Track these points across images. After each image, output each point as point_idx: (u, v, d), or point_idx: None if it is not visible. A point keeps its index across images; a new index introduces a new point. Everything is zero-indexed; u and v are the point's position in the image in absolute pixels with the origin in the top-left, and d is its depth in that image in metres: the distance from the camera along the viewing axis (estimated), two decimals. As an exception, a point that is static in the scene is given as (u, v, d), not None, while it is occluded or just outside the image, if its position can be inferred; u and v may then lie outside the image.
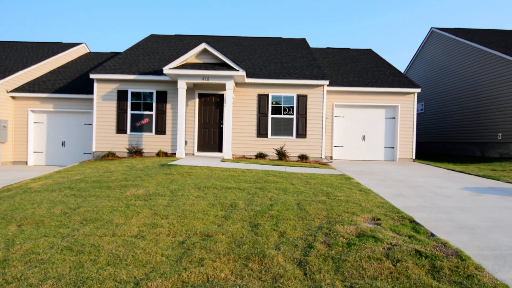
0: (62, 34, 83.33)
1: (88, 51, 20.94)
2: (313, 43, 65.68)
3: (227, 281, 3.42)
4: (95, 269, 3.66)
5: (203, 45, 11.80)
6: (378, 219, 5.20)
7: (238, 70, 11.73)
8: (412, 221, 5.17)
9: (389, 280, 3.37)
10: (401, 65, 68.60)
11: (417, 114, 21.87)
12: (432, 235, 4.59)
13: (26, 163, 14.62)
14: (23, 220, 5.34)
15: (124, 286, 3.30)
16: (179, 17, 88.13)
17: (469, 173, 10.68)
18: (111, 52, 20.16)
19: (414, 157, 14.49)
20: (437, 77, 20.26)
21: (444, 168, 12.17)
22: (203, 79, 11.89)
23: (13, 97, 14.54)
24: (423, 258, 3.80)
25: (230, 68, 11.85)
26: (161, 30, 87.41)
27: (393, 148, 14.66)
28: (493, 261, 3.79)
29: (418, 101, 21.95)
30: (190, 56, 11.96)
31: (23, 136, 14.61)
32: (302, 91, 13.25)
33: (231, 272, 3.61)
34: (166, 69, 11.68)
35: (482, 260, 3.80)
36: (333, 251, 4.03)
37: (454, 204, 6.29)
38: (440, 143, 19.75)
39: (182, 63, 11.98)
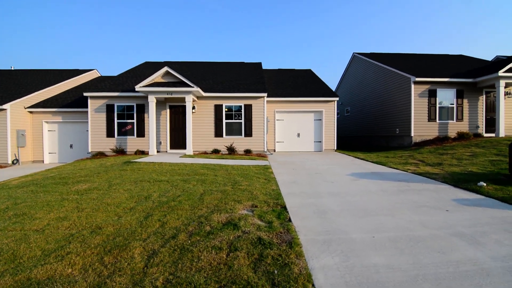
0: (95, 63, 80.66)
1: (99, 75, 19.78)
2: (277, 66, 64.93)
3: (69, 276, 2.67)
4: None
5: (165, 68, 10.84)
6: (256, 206, 4.47)
7: (193, 87, 10.83)
8: (283, 207, 4.46)
9: (209, 272, 2.63)
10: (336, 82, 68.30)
11: (344, 116, 21.28)
12: (289, 220, 3.88)
13: (43, 161, 13.60)
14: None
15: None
16: (192, 47, 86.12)
17: (367, 160, 10.03)
18: (116, 76, 19.01)
19: (335, 148, 13.86)
20: (358, 89, 19.61)
21: (353, 156, 11.52)
22: (167, 94, 10.95)
23: (30, 112, 13.46)
24: (259, 246, 3.08)
25: (187, 85, 10.94)
26: (167, 57, 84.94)
27: (320, 142, 14.00)
28: (318, 247, 3.07)
29: (345, 107, 21.36)
30: (157, 76, 11.00)
31: (39, 141, 13.54)
32: (247, 102, 12.43)
33: (81, 267, 2.84)
34: (137, 87, 10.71)
35: (309, 246, 3.10)
36: (189, 241, 3.29)
37: (330, 190, 5.54)
38: (362, 137, 19.14)
39: (150, 82, 11.01)
